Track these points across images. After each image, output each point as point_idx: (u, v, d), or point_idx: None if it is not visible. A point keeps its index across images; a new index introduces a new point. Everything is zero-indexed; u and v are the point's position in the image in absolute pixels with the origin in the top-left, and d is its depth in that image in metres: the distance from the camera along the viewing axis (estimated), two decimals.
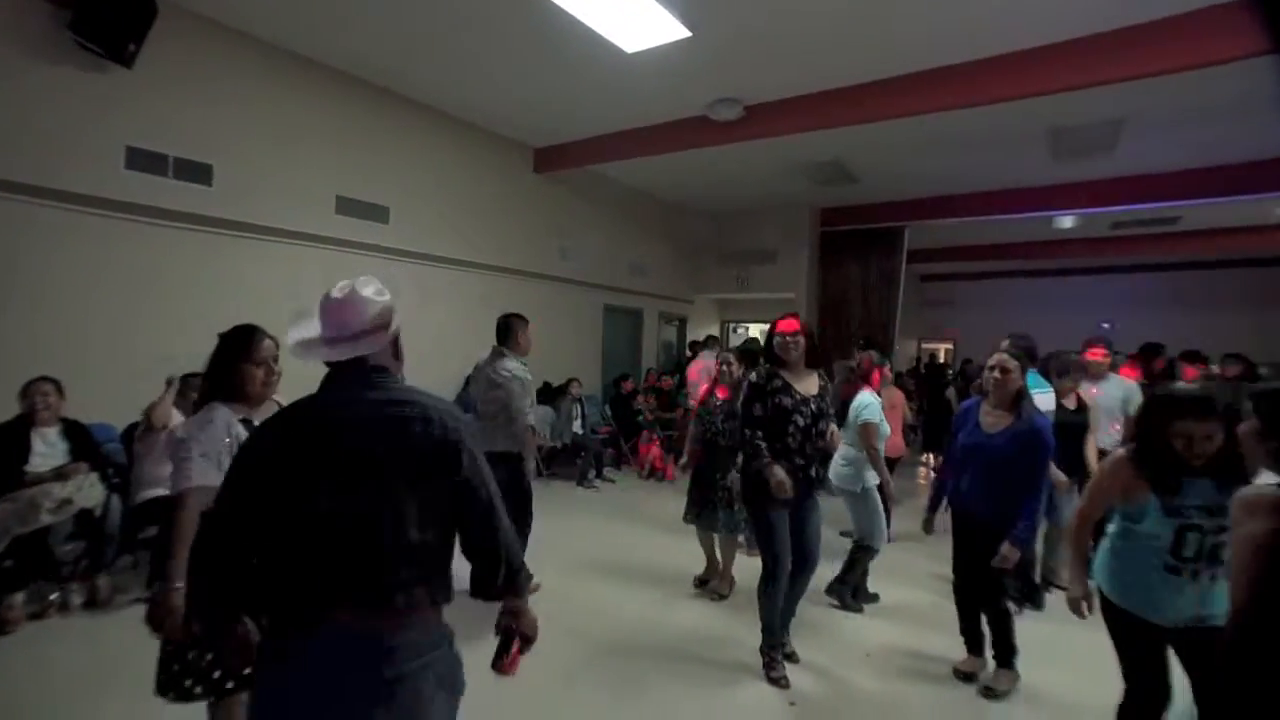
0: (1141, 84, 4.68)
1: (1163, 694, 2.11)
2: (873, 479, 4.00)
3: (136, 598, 3.59)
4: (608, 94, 5.82)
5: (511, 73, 5.48)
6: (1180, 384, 2.94)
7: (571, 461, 7.20)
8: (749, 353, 4.83)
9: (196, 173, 4.66)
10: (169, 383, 3.81)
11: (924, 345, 16.50)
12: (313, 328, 1.51)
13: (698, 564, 4.39)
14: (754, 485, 3.09)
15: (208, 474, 1.77)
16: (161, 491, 3.62)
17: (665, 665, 3.27)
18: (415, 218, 6.20)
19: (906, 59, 4.97)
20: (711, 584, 4.25)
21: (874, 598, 4.17)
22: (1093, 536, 2.33)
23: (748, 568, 4.12)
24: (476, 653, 1.57)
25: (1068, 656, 3.28)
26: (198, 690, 1.83)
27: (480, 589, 1.49)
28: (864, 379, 4.32)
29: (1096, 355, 4.53)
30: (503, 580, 1.47)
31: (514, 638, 1.55)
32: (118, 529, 3.72)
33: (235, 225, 4.88)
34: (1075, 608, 2.27)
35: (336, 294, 1.49)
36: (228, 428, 1.88)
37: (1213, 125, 6.14)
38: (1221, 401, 2.07)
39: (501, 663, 1.55)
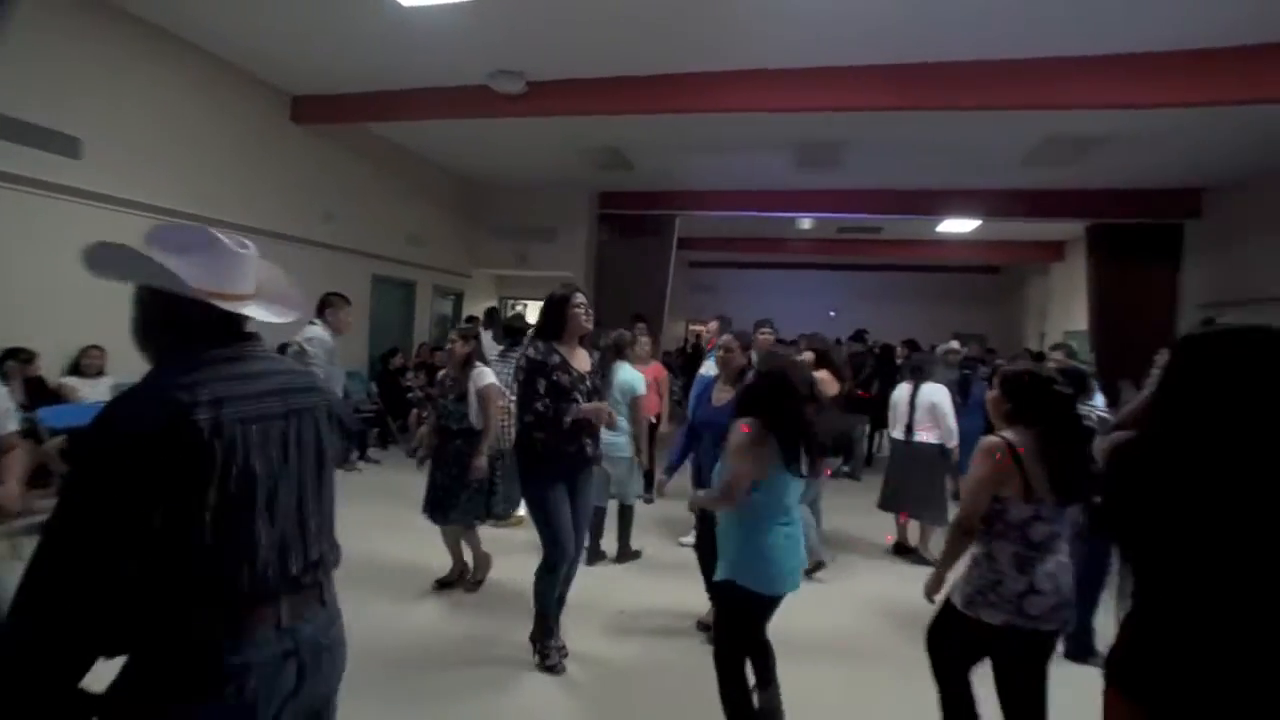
0: (863, 115, 5.61)
1: None
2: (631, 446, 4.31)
3: None
4: (381, 47, 5.41)
5: (265, 1, 4.85)
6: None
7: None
8: (513, 330, 4.93)
9: None
10: None
11: (691, 327, 17.88)
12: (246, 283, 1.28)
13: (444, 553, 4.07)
14: (534, 460, 3.02)
15: None
16: None
17: (429, 674, 3.03)
18: (122, 157, 5.13)
19: (685, 59, 5.30)
20: (466, 578, 4.02)
21: (636, 554, 4.52)
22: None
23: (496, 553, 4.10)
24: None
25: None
26: None
27: None
28: (618, 354, 4.48)
29: (767, 337, 5.19)
30: None
31: None
32: None
33: None
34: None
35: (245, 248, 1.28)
36: None
37: (908, 157, 7.52)
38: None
39: None
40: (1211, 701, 1.18)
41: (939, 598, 2.34)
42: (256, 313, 1.28)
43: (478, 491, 3.84)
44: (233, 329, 1.27)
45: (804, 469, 2.33)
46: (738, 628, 2.45)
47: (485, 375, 3.85)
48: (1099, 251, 9.06)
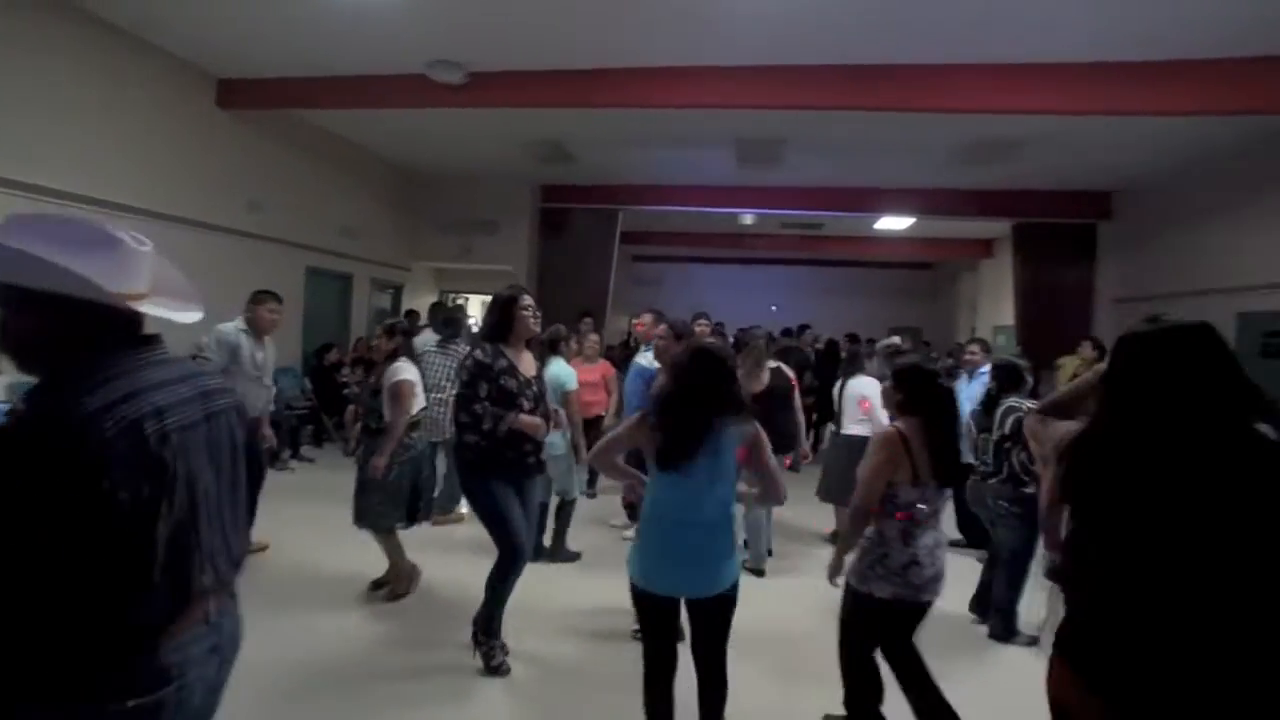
0: (802, 114, 5.74)
1: None
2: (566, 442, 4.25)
3: None
4: (315, 31, 5.21)
5: None
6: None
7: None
8: (452, 321, 4.87)
9: None
10: None
11: (634, 321, 17.93)
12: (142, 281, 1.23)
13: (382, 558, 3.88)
14: (481, 461, 2.94)
15: None
16: None
17: (369, 683, 2.91)
18: (21, 137, 4.77)
19: (625, 53, 5.29)
20: (389, 586, 3.79)
21: (575, 556, 4.49)
22: None
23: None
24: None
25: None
26: None
27: None
28: (553, 349, 4.47)
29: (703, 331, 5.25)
30: None
31: None
32: None
33: None
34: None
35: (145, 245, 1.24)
36: None
37: (846, 155, 7.72)
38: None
39: None
40: (1156, 683, 1.24)
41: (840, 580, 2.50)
42: (160, 311, 1.24)
43: (394, 494, 3.61)
44: (135, 331, 1.23)
45: (664, 463, 2.15)
46: (642, 625, 2.32)
47: (399, 372, 3.64)
48: (1024, 249, 9.57)
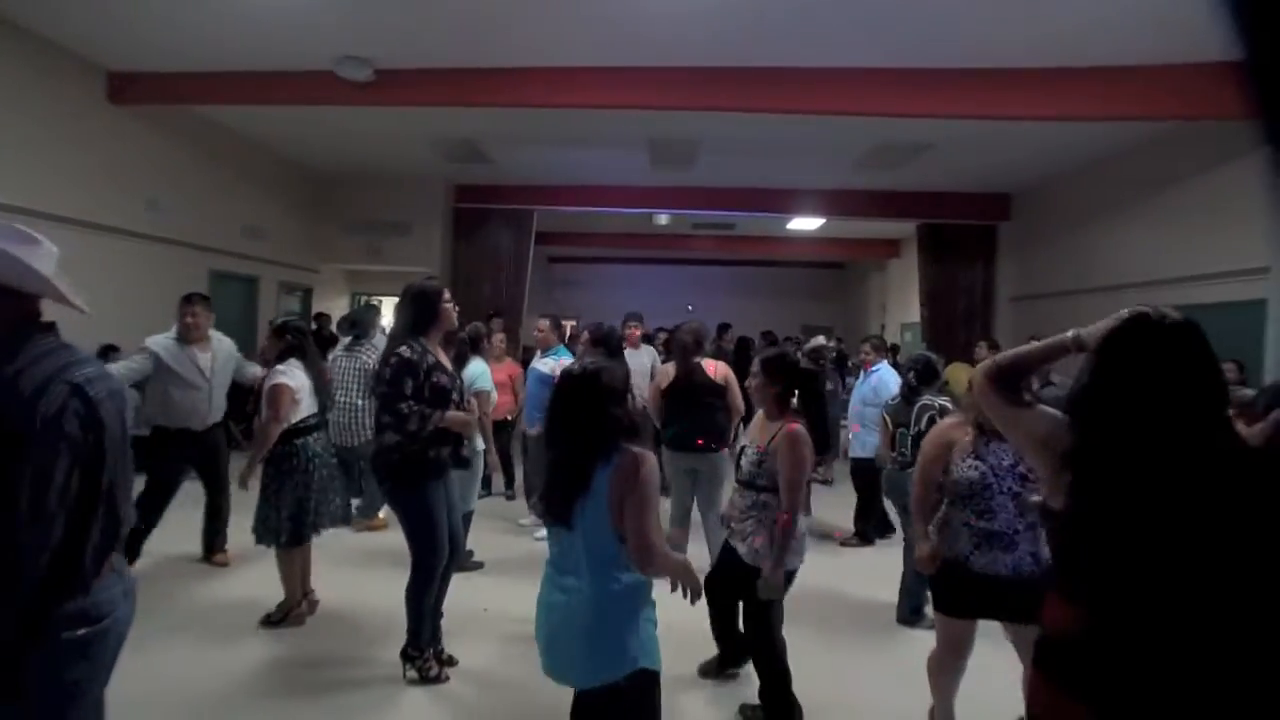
0: (709, 115, 5.98)
1: None
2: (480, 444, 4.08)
3: None
4: (214, 22, 5.05)
5: None
6: None
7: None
8: (358, 322, 4.81)
9: None
10: None
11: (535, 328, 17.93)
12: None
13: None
14: (406, 465, 2.83)
15: None
16: None
17: (295, 703, 2.79)
18: None
19: (533, 53, 5.37)
20: (294, 612, 3.52)
21: (479, 565, 4.41)
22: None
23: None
24: None
25: None
26: None
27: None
28: (474, 347, 4.48)
29: (634, 333, 5.41)
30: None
31: None
32: None
33: None
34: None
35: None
36: None
37: (756, 156, 8.05)
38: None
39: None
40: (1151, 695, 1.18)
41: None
42: (79, 302, 1.45)
43: (277, 509, 3.34)
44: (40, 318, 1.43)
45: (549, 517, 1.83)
46: None
47: (277, 375, 3.38)
48: (928, 249, 10.07)
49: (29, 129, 5.34)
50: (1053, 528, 1.37)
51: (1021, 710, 1.65)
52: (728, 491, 3.11)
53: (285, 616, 3.50)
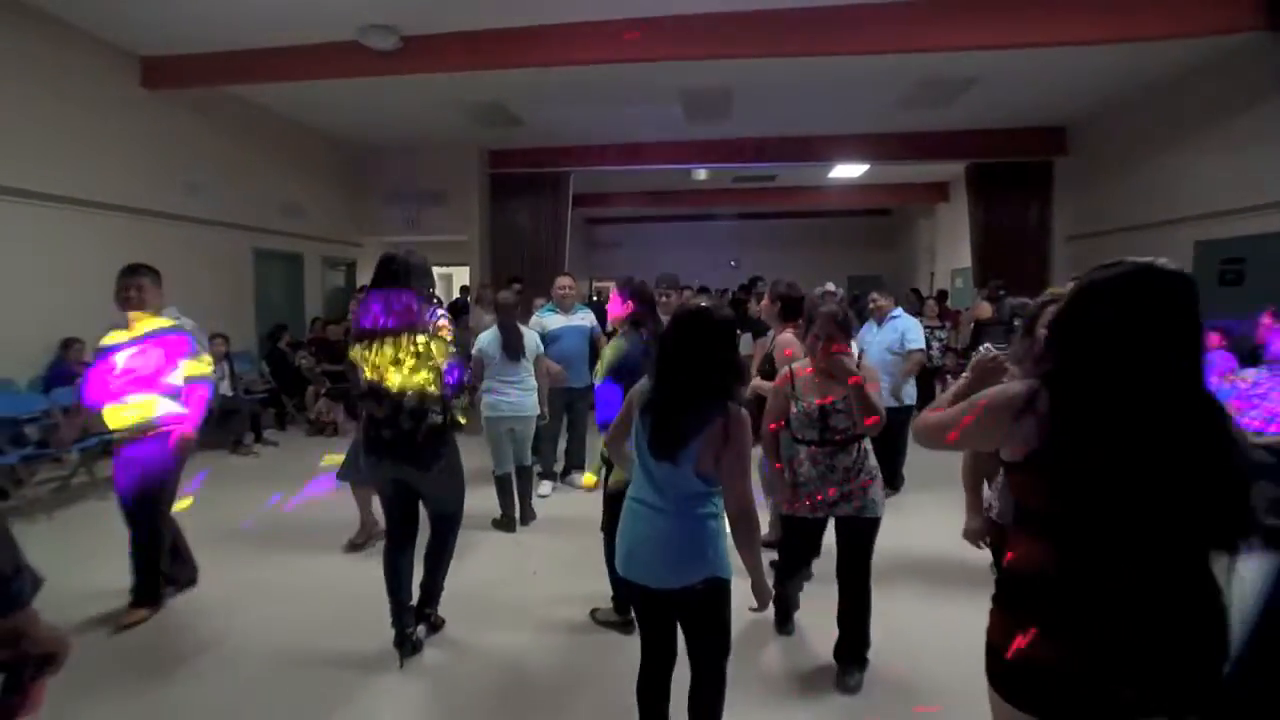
0: (745, 62, 5.70)
1: None
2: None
3: None
4: (238, 1, 5.03)
5: None
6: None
7: (222, 427, 6.39)
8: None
9: None
10: None
11: (596, 284, 17.87)
12: None
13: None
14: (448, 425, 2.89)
15: None
16: None
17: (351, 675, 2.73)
18: None
19: (556, 8, 5.18)
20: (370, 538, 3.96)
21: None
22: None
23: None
24: None
25: None
26: None
27: None
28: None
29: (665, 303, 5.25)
30: None
31: (25, 668, 1.13)
32: None
33: None
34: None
35: None
36: None
37: (792, 104, 7.70)
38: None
39: (13, 704, 1.13)
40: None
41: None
42: None
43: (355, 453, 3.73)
44: None
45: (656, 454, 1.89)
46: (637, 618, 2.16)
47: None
48: (978, 190, 9.56)
49: (69, 119, 5.46)
50: (1011, 472, 1.39)
51: None
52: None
53: (366, 540, 3.98)
